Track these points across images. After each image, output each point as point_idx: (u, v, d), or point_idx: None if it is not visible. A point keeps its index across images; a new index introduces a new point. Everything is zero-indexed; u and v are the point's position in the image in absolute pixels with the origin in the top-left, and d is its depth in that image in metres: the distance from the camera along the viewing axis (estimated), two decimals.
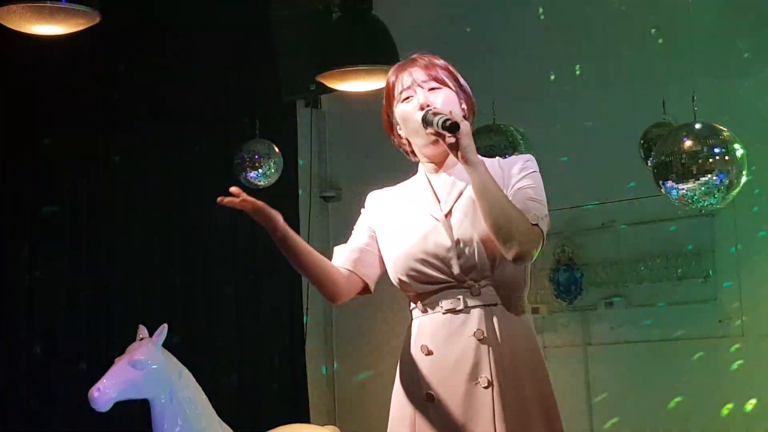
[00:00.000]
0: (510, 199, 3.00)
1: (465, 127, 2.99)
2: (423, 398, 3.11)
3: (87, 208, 6.72)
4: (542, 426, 3.00)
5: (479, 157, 3.02)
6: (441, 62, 3.21)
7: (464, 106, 3.17)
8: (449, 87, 3.16)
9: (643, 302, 6.98)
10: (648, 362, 6.94)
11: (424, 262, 3.11)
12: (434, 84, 3.15)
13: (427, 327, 3.17)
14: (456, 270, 3.07)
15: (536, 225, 2.97)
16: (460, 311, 3.07)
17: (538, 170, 3.09)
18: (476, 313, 3.05)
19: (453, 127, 2.96)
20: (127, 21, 6.50)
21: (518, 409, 2.99)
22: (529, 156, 3.15)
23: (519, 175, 3.07)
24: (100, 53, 6.66)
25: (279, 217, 3.13)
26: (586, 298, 7.06)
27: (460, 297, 3.08)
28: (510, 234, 2.95)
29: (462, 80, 3.21)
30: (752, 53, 6.71)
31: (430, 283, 3.13)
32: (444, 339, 3.10)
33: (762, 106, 6.66)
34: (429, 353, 3.14)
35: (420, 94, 3.14)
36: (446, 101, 3.12)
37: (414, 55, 3.24)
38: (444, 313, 3.10)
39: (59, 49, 5.78)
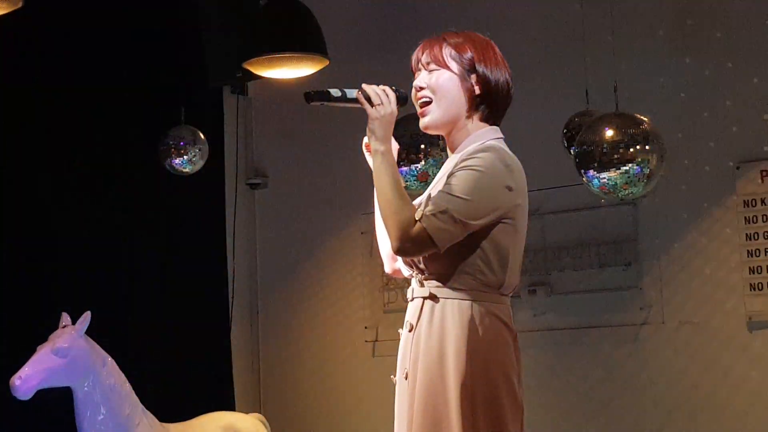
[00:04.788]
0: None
1: (373, 112, 3.00)
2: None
3: (10, 194, 6.64)
4: (462, 415, 2.93)
5: (390, 145, 3.02)
6: (454, 41, 3.12)
7: (475, 87, 3.08)
8: (449, 69, 3.09)
9: (565, 290, 7.05)
10: (570, 349, 7.03)
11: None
12: (434, 66, 3.11)
13: None
14: (403, 262, 3.12)
15: (419, 221, 2.92)
16: (411, 301, 3.11)
17: (481, 166, 2.96)
18: (415, 304, 3.08)
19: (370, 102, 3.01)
20: (50, 4, 6.42)
21: (433, 399, 2.96)
22: (484, 154, 3.00)
23: (454, 168, 3.01)
24: (21, 37, 6.57)
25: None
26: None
27: (413, 288, 3.11)
28: (388, 228, 2.97)
29: (481, 64, 3.09)
30: (673, 44, 6.80)
31: (405, 270, 3.16)
32: (403, 329, 3.14)
33: (682, 96, 6.76)
34: None
35: (419, 76, 3.13)
36: (438, 83, 3.09)
37: (434, 36, 3.18)
38: (410, 302, 3.13)
39: None
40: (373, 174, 3.01)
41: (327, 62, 5.78)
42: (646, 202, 6.68)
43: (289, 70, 5.91)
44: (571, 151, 5.77)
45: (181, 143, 6.89)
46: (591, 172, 5.28)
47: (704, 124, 6.68)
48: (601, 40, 6.44)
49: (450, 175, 3.00)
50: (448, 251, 2.97)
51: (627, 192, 5.28)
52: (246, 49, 5.90)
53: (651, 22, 6.86)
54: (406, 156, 5.71)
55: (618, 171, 5.20)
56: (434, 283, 3.03)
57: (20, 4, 4.73)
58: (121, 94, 7.22)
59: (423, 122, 3.12)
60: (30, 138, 6.79)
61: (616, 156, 5.21)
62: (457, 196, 2.93)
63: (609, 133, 5.27)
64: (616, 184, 5.23)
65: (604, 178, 5.23)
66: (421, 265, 3.04)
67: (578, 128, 5.87)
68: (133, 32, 7.14)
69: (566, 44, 6.92)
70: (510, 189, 3.00)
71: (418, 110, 3.12)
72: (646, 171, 5.21)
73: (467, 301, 2.99)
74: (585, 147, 5.33)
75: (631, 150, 5.20)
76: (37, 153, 6.83)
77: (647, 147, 5.23)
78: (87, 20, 6.92)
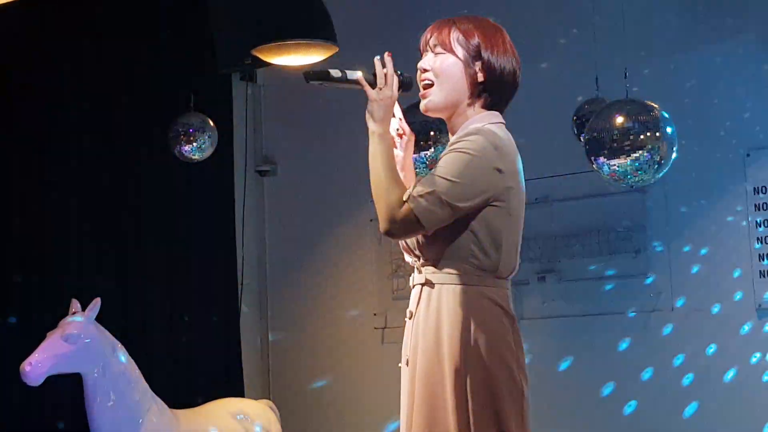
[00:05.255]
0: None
1: (373, 93, 3.01)
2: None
3: (20, 183, 6.65)
4: (457, 399, 2.93)
5: (388, 127, 3.04)
6: (463, 26, 3.11)
7: (479, 73, 3.06)
8: (455, 54, 3.08)
9: (575, 277, 7.05)
10: (580, 336, 7.02)
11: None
12: (440, 50, 3.10)
13: None
14: (402, 249, 3.12)
15: (406, 201, 2.93)
16: (412, 288, 3.11)
17: (470, 148, 2.95)
18: (415, 291, 3.08)
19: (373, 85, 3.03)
20: None
21: (431, 386, 2.97)
22: (473, 137, 2.99)
23: (447, 150, 3.01)
24: (31, 26, 6.57)
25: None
26: (518, 272, 7.08)
27: (413, 275, 3.11)
28: (377, 209, 2.99)
29: (487, 51, 3.08)
30: (684, 31, 6.78)
31: (407, 257, 3.16)
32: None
33: (693, 84, 6.74)
34: None
35: (425, 57, 3.13)
36: (441, 67, 3.09)
37: (445, 18, 3.17)
38: (412, 289, 3.13)
39: None
40: (369, 156, 3.02)
41: (336, 49, 5.77)
42: (655, 190, 6.67)
43: (298, 57, 5.89)
44: (581, 137, 5.76)
45: (191, 130, 6.88)
46: (601, 159, 5.27)
47: (715, 111, 6.67)
48: (612, 26, 6.42)
49: (440, 157, 3.00)
50: (441, 236, 2.98)
51: (637, 179, 5.26)
52: (255, 36, 5.88)
53: (662, 9, 6.84)
54: (415, 143, 5.70)
55: (628, 158, 5.19)
56: (430, 269, 3.03)
57: None
58: (131, 81, 7.22)
59: (423, 104, 3.13)
60: (38, 125, 6.79)
61: (626, 143, 5.19)
62: (445, 178, 2.93)
63: (619, 119, 5.26)
64: (626, 171, 5.22)
65: (615, 165, 5.22)
66: (417, 252, 3.05)
67: (588, 115, 5.86)
68: (142, 19, 7.13)
69: (576, 31, 6.90)
70: (500, 171, 2.99)
71: (421, 92, 3.12)
72: (657, 158, 5.19)
73: (461, 286, 2.99)
74: (595, 134, 5.32)
75: (642, 137, 5.19)
76: (48, 140, 6.83)
77: (657, 134, 5.21)
78: (97, 7, 6.92)
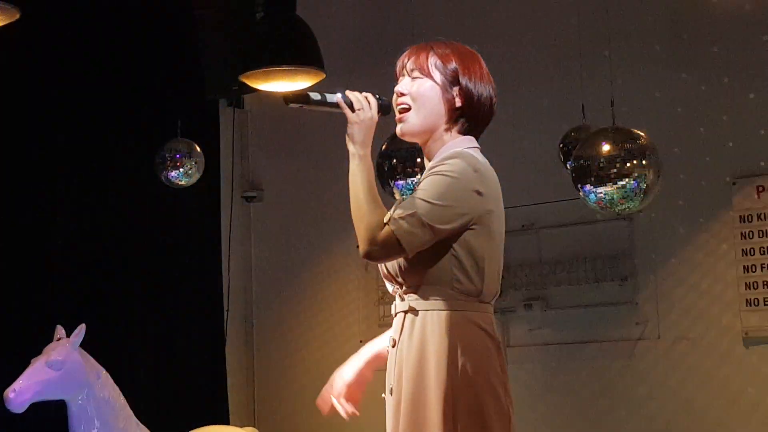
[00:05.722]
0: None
1: (353, 116, 3.00)
2: None
3: (5, 207, 6.63)
4: (444, 427, 2.90)
5: (368, 150, 3.01)
6: (441, 51, 3.10)
7: (456, 99, 3.05)
8: (432, 79, 3.07)
9: (561, 305, 7.05)
10: (566, 364, 7.01)
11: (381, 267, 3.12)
12: (417, 74, 3.09)
13: None
14: (384, 277, 3.10)
15: (387, 224, 2.91)
16: (395, 316, 3.10)
17: (450, 171, 2.94)
18: (398, 318, 3.06)
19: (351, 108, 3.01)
20: (47, 18, 6.42)
21: (416, 413, 2.94)
22: (453, 160, 2.98)
23: (427, 173, 3.00)
24: (18, 51, 6.56)
25: None
26: (505, 299, 7.09)
27: (395, 303, 3.09)
28: (357, 231, 2.96)
29: (465, 77, 3.07)
30: (669, 59, 6.81)
31: (388, 285, 3.15)
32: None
33: (678, 112, 6.77)
34: None
35: (402, 82, 3.12)
36: (419, 92, 3.07)
37: (422, 43, 3.16)
38: (394, 317, 3.11)
39: None
40: (349, 178, 3.00)
41: (323, 75, 5.79)
42: (642, 217, 6.68)
43: (285, 83, 5.91)
44: (568, 165, 5.76)
45: (177, 156, 6.88)
46: (588, 187, 5.27)
47: (700, 139, 6.69)
48: (598, 54, 6.45)
49: (420, 181, 2.99)
50: (423, 261, 2.96)
51: (624, 207, 5.27)
52: (242, 62, 5.90)
53: (647, 37, 6.87)
54: (402, 169, 5.71)
55: (615, 186, 5.20)
56: (413, 296, 3.01)
57: (17, 17, 4.72)
58: (118, 106, 7.22)
59: (399, 128, 3.11)
60: (26, 150, 6.78)
61: (612, 171, 5.20)
62: (426, 200, 2.91)
63: (606, 147, 5.27)
64: (612, 198, 5.23)
65: (601, 192, 5.23)
66: (399, 279, 3.03)
67: (575, 143, 5.87)
68: (130, 44, 7.14)
69: (563, 59, 6.92)
70: (480, 194, 2.97)
71: (397, 116, 3.12)
72: (643, 186, 5.20)
73: (446, 312, 2.96)
74: (582, 161, 5.33)
75: (628, 165, 5.20)
76: (34, 165, 6.82)
77: (644, 162, 5.22)
78: (84, 33, 6.92)
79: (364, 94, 3.05)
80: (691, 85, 6.74)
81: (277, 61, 5.78)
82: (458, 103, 3.08)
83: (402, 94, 3.10)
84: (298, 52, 5.80)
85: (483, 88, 3.11)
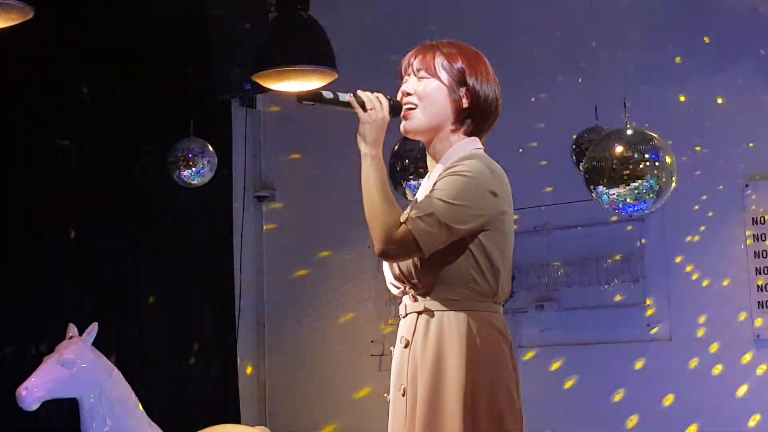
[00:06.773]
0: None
1: (364, 116, 3.01)
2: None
3: (18, 204, 6.64)
4: (467, 426, 2.90)
5: (380, 150, 3.01)
6: (447, 51, 3.11)
7: (463, 99, 3.06)
8: (439, 79, 3.08)
9: (573, 305, 7.04)
10: (578, 365, 7.01)
11: (387, 268, 3.11)
12: (424, 74, 3.10)
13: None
14: (391, 278, 3.09)
15: (404, 223, 2.91)
16: (404, 317, 3.08)
17: (468, 171, 2.96)
18: (410, 319, 3.05)
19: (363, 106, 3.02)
20: (60, 17, 6.43)
21: (433, 414, 2.93)
22: (470, 161, 3.00)
23: (443, 174, 3.00)
24: (33, 50, 6.58)
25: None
26: (517, 301, 7.10)
27: (406, 303, 3.08)
28: (372, 230, 2.95)
29: (471, 77, 3.08)
30: (684, 60, 6.80)
31: (394, 288, 3.13)
32: (395, 345, 3.12)
33: (692, 113, 6.76)
34: None
35: (408, 81, 3.12)
36: (426, 91, 3.08)
37: (429, 41, 3.17)
38: (402, 318, 3.10)
39: None
40: (362, 178, 3.00)
41: (336, 76, 5.78)
42: (654, 219, 6.67)
43: (298, 83, 5.91)
44: (581, 166, 5.76)
45: (190, 155, 6.90)
46: (600, 188, 5.26)
47: (714, 141, 6.68)
48: (611, 55, 6.44)
49: (437, 181, 2.99)
50: (439, 262, 2.96)
51: (636, 208, 5.26)
52: (255, 62, 5.90)
53: (661, 38, 6.86)
54: (415, 169, 5.71)
55: (627, 187, 5.19)
56: (428, 296, 3.01)
57: (31, 15, 4.73)
58: (131, 106, 7.23)
59: (404, 126, 3.11)
60: (40, 149, 6.80)
61: (625, 172, 5.19)
62: (443, 200, 2.92)
63: (619, 149, 5.26)
64: (625, 200, 5.22)
65: (614, 194, 5.22)
66: (414, 279, 3.01)
67: (587, 144, 5.86)
68: (143, 44, 7.15)
69: (575, 60, 6.91)
70: (495, 195, 2.99)
71: (402, 113, 3.12)
72: (656, 187, 5.19)
73: (462, 312, 2.97)
74: (594, 163, 5.32)
75: (641, 166, 5.19)
76: (48, 163, 6.84)
77: (656, 164, 5.21)
78: (98, 32, 6.93)
79: (375, 94, 3.06)
80: (705, 86, 6.72)
81: (290, 61, 5.78)
82: (465, 103, 3.09)
83: (408, 94, 3.11)
84: (311, 52, 5.80)
85: (489, 88, 3.12)
